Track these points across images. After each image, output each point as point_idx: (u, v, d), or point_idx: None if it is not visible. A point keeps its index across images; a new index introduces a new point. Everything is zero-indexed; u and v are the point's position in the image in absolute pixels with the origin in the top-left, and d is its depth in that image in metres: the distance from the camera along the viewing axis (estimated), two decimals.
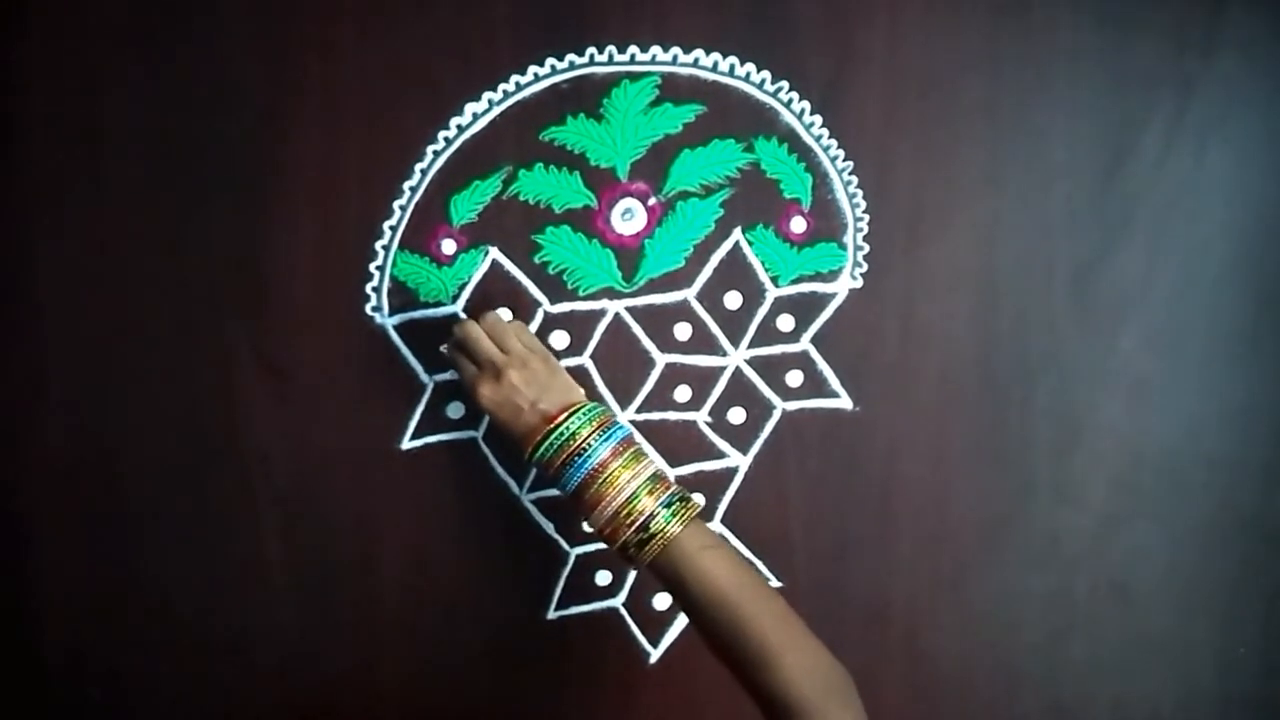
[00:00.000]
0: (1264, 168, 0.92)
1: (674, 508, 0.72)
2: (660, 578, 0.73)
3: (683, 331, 0.87)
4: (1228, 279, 0.94)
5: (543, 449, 0.73)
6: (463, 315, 0.84)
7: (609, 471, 0.72)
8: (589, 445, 0.73)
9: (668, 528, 0.71)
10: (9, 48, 0.77)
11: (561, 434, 0.73)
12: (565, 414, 0.74)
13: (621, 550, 0.73)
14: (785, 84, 0.85)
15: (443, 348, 0.84)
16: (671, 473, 0.89)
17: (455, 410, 0.85)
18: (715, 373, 0.88)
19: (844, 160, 0.87)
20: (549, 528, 0.88)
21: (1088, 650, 0.98)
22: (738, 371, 0.89)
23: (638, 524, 0.71)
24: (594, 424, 0.74)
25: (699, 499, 0.87)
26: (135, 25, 0.78)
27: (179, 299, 0.82)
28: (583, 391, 0.78)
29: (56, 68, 0.78)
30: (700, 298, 0.87)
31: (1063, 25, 0.87)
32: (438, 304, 0.84)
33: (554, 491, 0.86)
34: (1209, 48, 0.89)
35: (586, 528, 0.76)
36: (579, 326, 0.86)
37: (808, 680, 0.65)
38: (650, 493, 0.72)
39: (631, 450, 0.74)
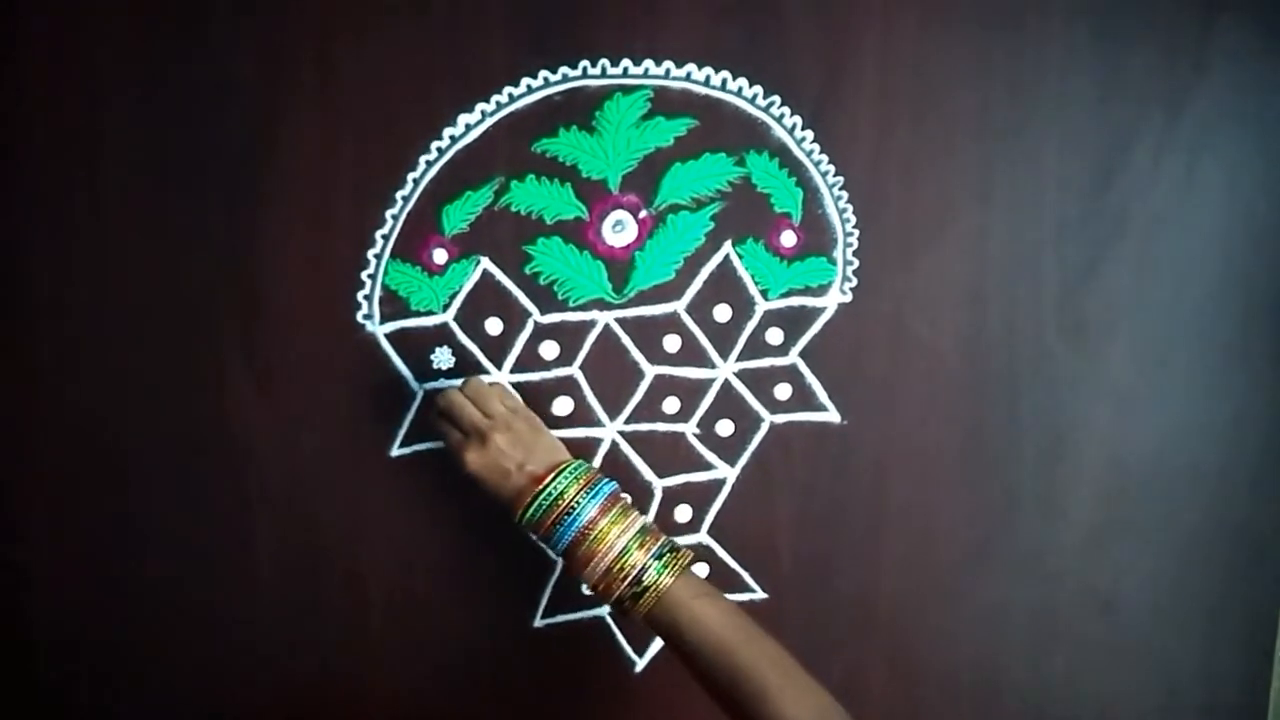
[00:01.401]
0: (1254, 181, 0.92)
1: (665, 559, 0.73)
2: (656, 628, 0.74)
3: (672, 343, 0.88)
4: (1217, 292, 0.94)
5: (532, 510, 0.75)
6: (453, 324, 0.85)
7: (598, 529, 0.73)
8: (577, 504, 0.74)
9: (660, 579, 0.72)
10: (6, 60, 0.78)
11: (549, 494, 0.74)
12: (551, 474, 0.75)
13: (617, 604, 0.74)
14: (777, 99, 0.85)
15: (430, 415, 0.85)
16: (660, 485, 0.89)
17: None
18: (704, 385, 0.89)
19: (835, 175, 0.87)
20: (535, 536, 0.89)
21: (1073, 662, 0.98)
22: (726, 384, 0.89)
23: (631, 578, 0.72)
24: (580, 482, 0.75)
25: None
26: (131, 34, 0.79)
27: (172, 305, 0.82)
28: (566, 451, 0.79)
29: (54, 79, 0.79)
30: (690, 310, 0.87)
31: (1054, 40, 0.88)
32: (429, 313, 0.85)
33: None
34: (1199, 62, 0.89)
35: (585, 588, 0.76)
36: (569, 337, 0.87)
37: (807, 718, 0.66)
38: (641, 546, 0.73)
39: (619, 506, 0.75)
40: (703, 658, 0.70)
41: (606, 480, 0.76)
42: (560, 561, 0.89)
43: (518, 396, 0.83)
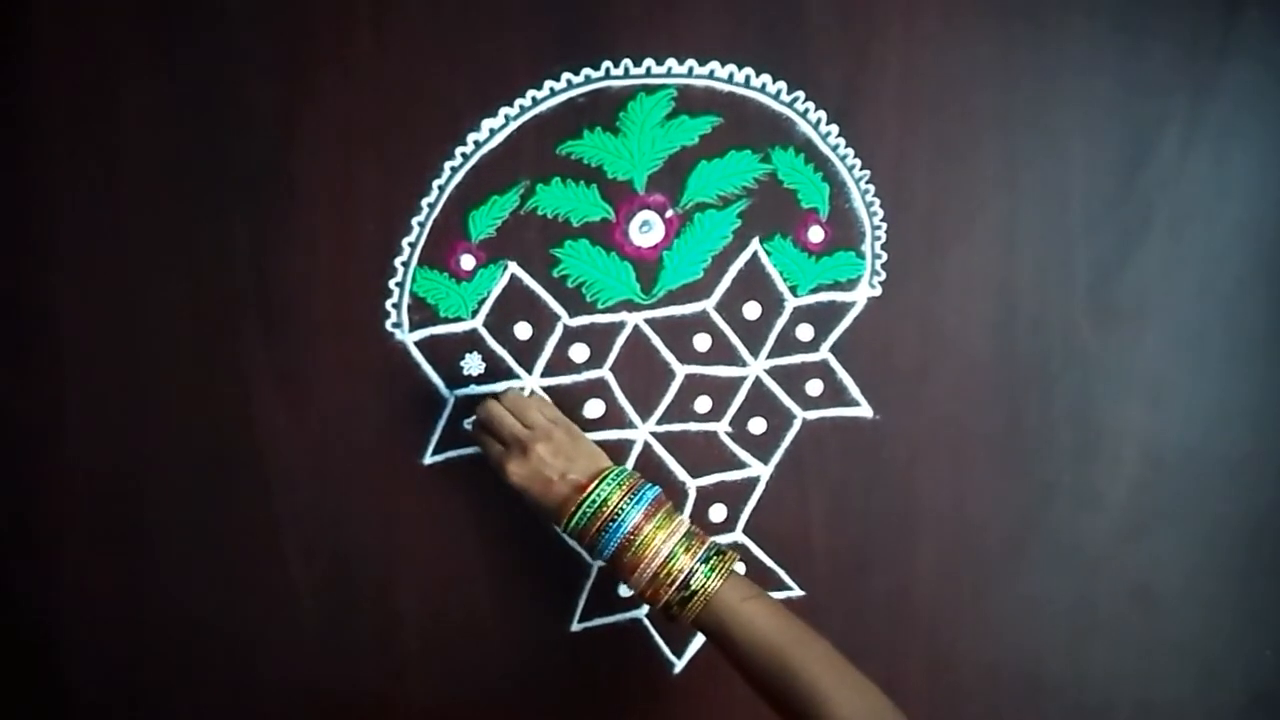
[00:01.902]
0: None
1: (712, 562, 0.73)
2: (705, 632, 0.73)
3: (702, 342, 0.87)
4: (1246, 280, 0.93)
5: (576, 518, 0.74)
6: (482, 329, 0.85)
7: (643, 535, 0.73)
8: (621, 510, 0.73)
9: (708, 583, 0.72)
10: (21, 75, 0.78)
11: (593, 501, 0.74)
12: (594, 481, 0.75)
13: (665, 610, 0.73)
14: (801, 94, 0.85)
15: (467, 424, 0.85)
16: (694, 485, 0.89)
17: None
18: (735, 383, 0.89)
19: (861, 169, 0.87)
20: (571, 541, 0.88)
21: (1110, 654, 0.97)
22: (758, 381, 0.89)
23: (678, 583, 0.72)
24: (623, 488, 0.74)
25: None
26: (149, 47, 0.79)
27: (199, 317, 0.82)
28: (607, 457, 0.79)
29: (70, 92, 0.79)
30: (719, 308, 0.87)
31: (1077, 31, 0.87)
32: (457, 319, 0.85)
33: None
34: (1223, 51, 0.89)
35: (625, 591, 0.76)
36: (598, 339, 0.86)
37: (861, 718, 0.66)
38: (687, 550, 0.73)
39: (663, 510, 0.75)
40: (753, 660, 0.70)
41: (649, 485, 0.76)
42: (597, 566, 0.89)
43: (555, 408, 0.83)
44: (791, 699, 0.68)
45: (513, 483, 0.76)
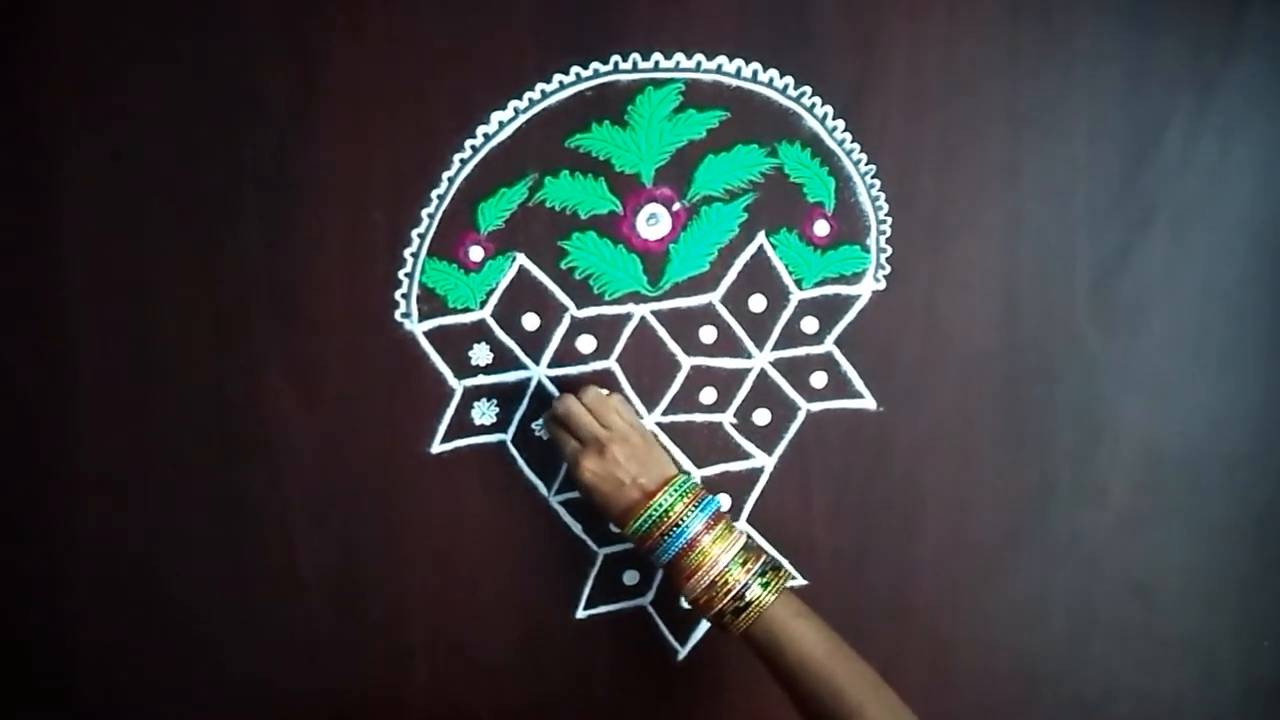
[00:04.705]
0: None
1: (766, 577, 0.75)
2: (755, 644, 0.75)
3: (708, 334, 0.88)
4: (1249, 278, 0.93)
5: (639, 522, 0.76)
6: (490, 320, 0.85)
7: (701, 545, 0.75)
8: (683, 520, 0.75)
9: (763, 596, 0.74)
10: (31, 66, 0.79)
11: (658, 508, 0.75)
12: (661, 489, 0.76)
13: (717, 618, 0.75)
14: (808, 89, 0.85)
15: (538, 425, 0.86)
16: (698, 473, 0.90)
17: (482, 415, 0.87)
18: (740, 375, 0.89)
19: (867, 163, 0.87)
20: (577, 528, 0.89)
21: (1109, 647, 0.98)
22: (762, 373, 0.90)
23: (733, 593, 0.74)
24: (687, 498, 0.76)
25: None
26: (159, 40, 0.80)
27: (209, 306, 0.83)
28: (675, 466, 0.80)
29: (81, 83, 0.80)
30: (725, 301, 0.88)
31: (1083, 27, 0.88)
32: (466, 310, 0.85)
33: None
34: (1229, 48, 0.89)
35: (683, 602, 0.78)
36: (605, 330, 0.87)
37: None
38: (743, 564, 0.75)
39: (722, 523, 0.76)
40: (800, 676, 0.72)
41: (712, 498, 0.78)
42: (602, 555, 0.90)
43: (633, 410, 0.84)
44: (833, 718, 0.70)
45: (584, 479, 0.77)
